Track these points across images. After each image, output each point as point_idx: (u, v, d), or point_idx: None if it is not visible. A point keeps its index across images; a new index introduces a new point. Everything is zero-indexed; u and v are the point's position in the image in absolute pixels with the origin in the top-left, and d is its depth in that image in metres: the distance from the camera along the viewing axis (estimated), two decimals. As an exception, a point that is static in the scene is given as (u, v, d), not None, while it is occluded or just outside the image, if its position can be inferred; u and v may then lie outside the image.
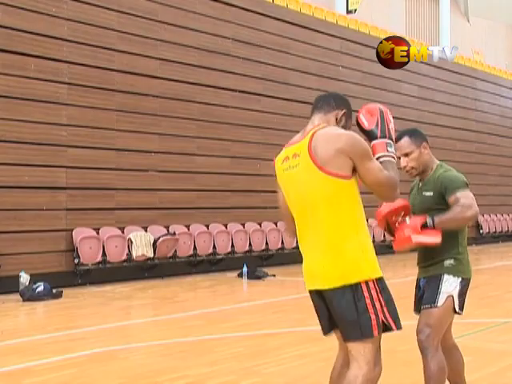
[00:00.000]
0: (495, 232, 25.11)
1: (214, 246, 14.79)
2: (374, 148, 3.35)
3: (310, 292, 3.39)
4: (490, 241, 24.64)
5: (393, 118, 3.57)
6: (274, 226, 16.26)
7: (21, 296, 10.48)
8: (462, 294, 4.01)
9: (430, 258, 4.05)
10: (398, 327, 3.28)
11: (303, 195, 3.28)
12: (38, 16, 12.43)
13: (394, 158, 3.37)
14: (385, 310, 3.23)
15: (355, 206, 3.25)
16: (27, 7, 12.28)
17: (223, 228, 15.32)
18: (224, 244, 15.01)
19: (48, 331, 7.86)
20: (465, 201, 3.88)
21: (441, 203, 3.98)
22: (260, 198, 15.89)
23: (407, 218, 3.87)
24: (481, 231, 24.25)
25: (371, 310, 3.19)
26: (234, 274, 14.01)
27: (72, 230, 12.43)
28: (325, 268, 3.22)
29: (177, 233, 14.05)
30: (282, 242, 16.27)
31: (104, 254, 12.60)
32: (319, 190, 3.21)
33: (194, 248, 14.36)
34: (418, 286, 4.18)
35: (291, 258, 16.25)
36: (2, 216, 11.48)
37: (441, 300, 3.93)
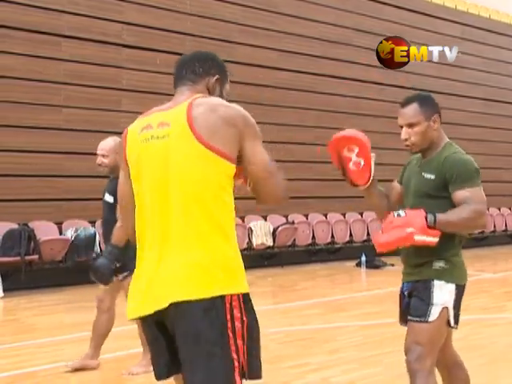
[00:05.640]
0: None
1: (333, 235, 14.89)
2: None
3: (144, 320, 2.44)
4: None
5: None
6: (393, 215, 16.16)
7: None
8: (458, 305, 3.29)
9: (415, 257, 3.31)
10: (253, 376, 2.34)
11: (168, 174, 2.38)
12: (164, 12, 12.98)
13: None
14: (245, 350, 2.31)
15: (231, 201, 2.42)
16: (155, 4, 12.87)
17: (341, 217, 15.39)
18: (342, 233, 15.08)
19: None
20: (477, 206, 3.13)
21: (441, 190, 3.23)
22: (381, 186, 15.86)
23: (401, 212, 3.16)
24: None
25: (233, 348, 2.27)
26: (353, 263, 14.06)
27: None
28: (185, 272, 2.30)
29: (295, 222, 14.26)
30: (401, 231, 16.13)
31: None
32: (196, 169, 2.35)
33: (313, 237, 14.52)
34: (401, 294, 3.45)
35: (410, 247, 16.14)
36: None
37: (434, 313, 3.21)
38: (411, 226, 3.07)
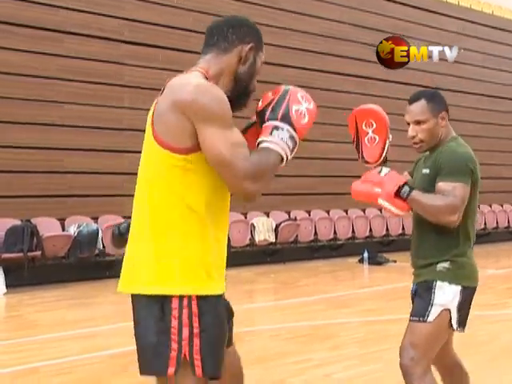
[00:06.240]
0: None
1: (335, 232, 14.89)
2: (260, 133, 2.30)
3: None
4: None
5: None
6: (395, 211, 16.17)
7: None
8: (464, 308, 3.15)
9: (421, 258, 3.22)
10: (208, 373, 2.19)
11: (141, 167, 2.31)
12: (166, 9, 12.99)
13: (278, 145, 2.23)
14: (195, 342, 2.17)
15: (195, 194, 2.20)
16: (158, 1, 12.90)
17: (344, 214, 15.39)
18: (345, 229, 15.08)
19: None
20: (453, 201, 3.02)
21: (433, 185, 3.13)
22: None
23: (384, 169, 3.13)
24: None
25: (174, 337, 2.16)
26: (355, 259, 14.07)
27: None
28: (135, 265, 2.24)
29: (298, 218, 14.27)
30: (403, 227, 16.14)
31: (228, 238, 12.96)
32: (148, 163, 2.25)
33: (315, 233, 14.52)
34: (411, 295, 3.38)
35: (412, 244, 16.17)
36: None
37: (432, 314, 3.09)
38: (381, 187, 3.06)
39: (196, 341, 2.17)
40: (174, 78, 2.26)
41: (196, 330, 2.17)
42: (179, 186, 2.18)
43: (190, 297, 2.19)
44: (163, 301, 2.17)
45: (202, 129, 2.13)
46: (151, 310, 2.18)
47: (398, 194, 3.05)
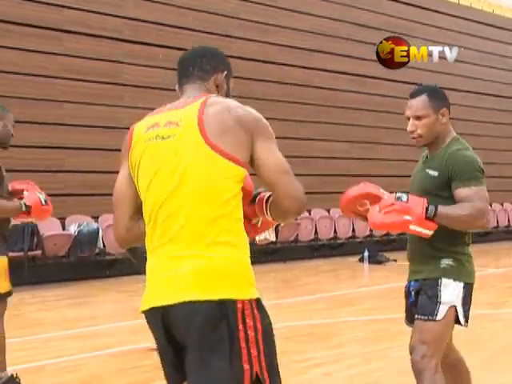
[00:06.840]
0: None
1: (335, 231, 14.90)
2: None
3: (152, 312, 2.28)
4: None
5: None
6: (396, 210, 16.17)
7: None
8: (467, 303, 3.21)
9: (423, 255, 3.26)
10: None
11: (173, 174, 2.26)
12: (163, 7, 12.99)
13: None
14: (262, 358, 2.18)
15: (240, 204, 2.33)
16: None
17: (344, 212, 15.38)
18: (345, 228, 15.08)
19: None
20: (479, 204, 3.04)
21: (444, 189, 3.14)
22: (380, 182, 15.77)
23: (403, 196, 3.02)
24: None
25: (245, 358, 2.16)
26: (355, 258, 14.07)
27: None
28: (196, 274, 2.19)
29: (298, 217, 14.24)
30: (404, 226, 16.13)
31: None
32: (201, 171, 2.23)
33: (316, 232, 14.53)
34: (407, 292, 3.39)
35: (413, 243, 16.14)
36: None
37: (441, 312, 3.13)
38: (409, 213, 2.97)
39: (263, 357, 2.17)
40: (217, 99, 2.33)
41: (261, 346, 2.18)
42: (230, 194, 2.26)
43: (251, 304, 2.22)
44: (228, 314, 2.16)
45: (264, 144, 2.31)
46: (212, 323, 2.14)
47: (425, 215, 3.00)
